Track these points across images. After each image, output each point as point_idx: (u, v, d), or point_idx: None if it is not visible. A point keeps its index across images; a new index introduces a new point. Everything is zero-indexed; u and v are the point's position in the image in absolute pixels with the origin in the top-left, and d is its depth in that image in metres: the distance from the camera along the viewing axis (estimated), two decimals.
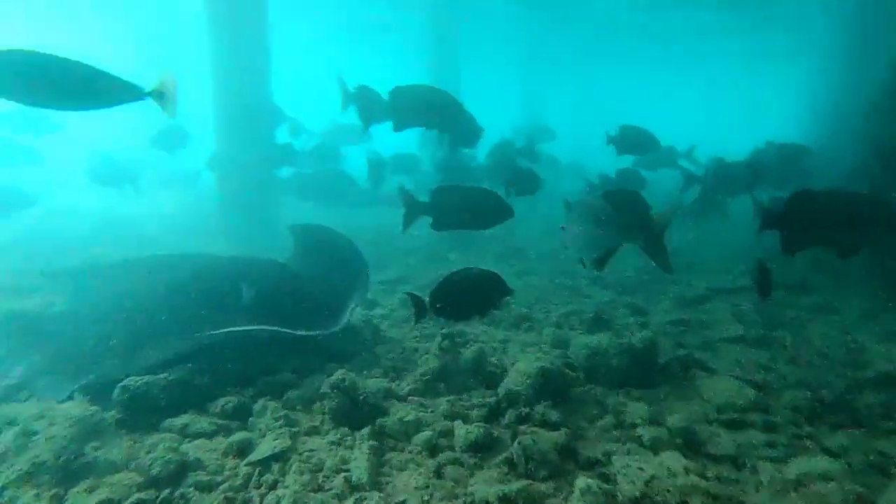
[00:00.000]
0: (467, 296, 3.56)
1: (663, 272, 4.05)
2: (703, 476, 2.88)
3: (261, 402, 3.30)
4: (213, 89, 9.61)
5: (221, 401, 3.33)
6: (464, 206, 4.53)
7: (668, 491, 2.70)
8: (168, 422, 3.16)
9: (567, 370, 4.01)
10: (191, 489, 2.68)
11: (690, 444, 3.28)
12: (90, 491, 2.60)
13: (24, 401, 3.34)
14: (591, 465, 3.06)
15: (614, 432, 3.49)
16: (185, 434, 3.10)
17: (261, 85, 9.67)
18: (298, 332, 3.56)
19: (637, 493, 2.68)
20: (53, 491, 2.56)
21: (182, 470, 2.78)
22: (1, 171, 8.74)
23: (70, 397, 3.16)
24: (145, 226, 10.90)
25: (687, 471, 2.86)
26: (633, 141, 7.22)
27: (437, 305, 3.48)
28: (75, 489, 2.63)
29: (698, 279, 7.41)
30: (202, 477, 2.77)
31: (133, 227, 10.84)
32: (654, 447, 3.23)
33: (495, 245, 9.98)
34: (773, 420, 3.52)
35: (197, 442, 3.01)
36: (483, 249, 9.85)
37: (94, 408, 3.06)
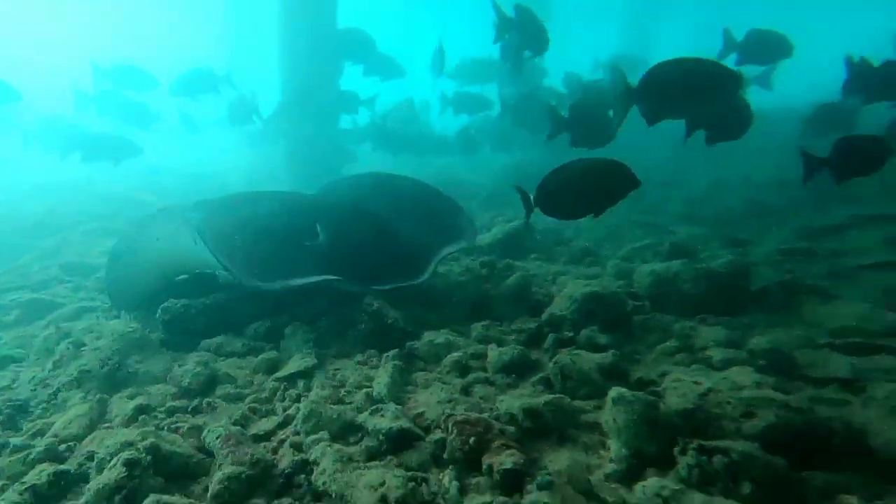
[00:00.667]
0: (581, 187, 3.13)
1: None
2: (784, 392, 2.34)
3: (292, 326, 3.32)
4: (279, 34, 9.58)
5: (255, 324, 3.40)
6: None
7: (729, 402, 2.22)
8: (205, 342, 3.28)
9: (625, 297, 3.60)
10: (219, 399, 2.75)
11: (780, 367, 2.74)
12: (131, 398, 2.76)
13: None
14: (641, 386, 2.69)
15: (677, 356, 3.05)
16: (219, 353, 3.20)
17: (328, 27, 9.35)
18: (380, 287, 3.33)
19: (687, 406, 2.25)
20: (98, 396, 2.75)
21: (212, 382, 2.86)
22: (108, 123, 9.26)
23: (117, 316, 3.41)
24: (227, 177, 11.56)
25: (759, 384, 2.36)
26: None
27: (545, 199, 3.14)
28: (118, 395, 2.81)
29: (840, 208, 5.93)
30: (230, 389, 2.83)
31: (217, 178, 11.61)
32: (725, 368, 2.71)
33: None
34: None
35: (229, 360, 3.10)
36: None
37: (135, 325, 3.28)
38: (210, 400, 2.73)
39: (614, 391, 2.20)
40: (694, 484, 1.82)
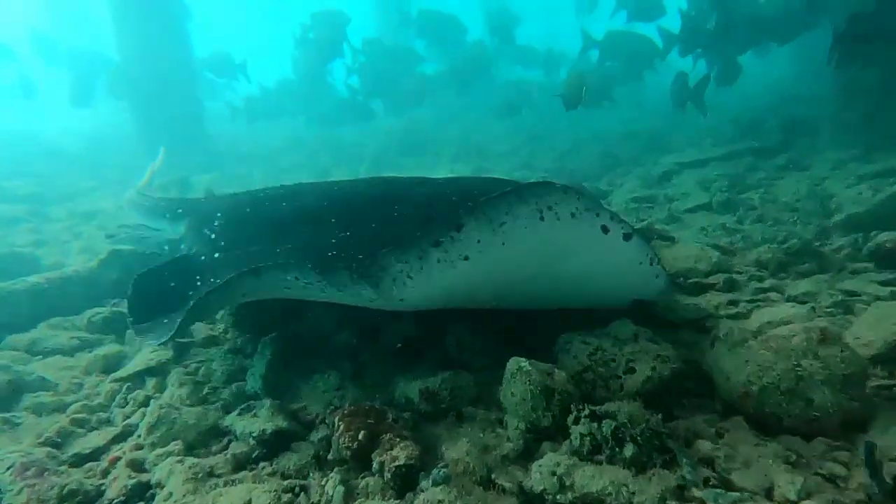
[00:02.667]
0: None
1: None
2: (654, 341, 2.36)
3: None
4: None
5: (89, 312, 2.82)
6: None
7: (613, 360, 2.16)
8: (10, 338, 2.65)
9: None
10: (25, 412, 2.20)
11: (647, 315, 2.72)
12: None
13: None
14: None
15: None
16: (33, 350, 2.61)
17: None
18: None
19: (577, 369, 2.19)
20: None
21: (16, 391, 2.29)
22: None
23: None
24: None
25: (636, 336, 2.32)
26: None
27: None
28: None
29: (666, 157, 6.94)
30: (45, 398, 2.29)
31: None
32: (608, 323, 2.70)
33: (450, 148, 9.41)
34: (736, 279, 3.10)
35: (49, 360, 2.53)
36: (438, 153, 9.26)
37: None
38: (9, 415, 2.18)
39: (513, 363, 2.04)
40: (586, 455, 1.77)
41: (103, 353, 2.59)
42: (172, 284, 2.35)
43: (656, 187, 5.83)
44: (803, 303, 2.74)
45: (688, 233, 4.24)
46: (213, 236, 2.60)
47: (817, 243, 3.37)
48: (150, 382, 2.43)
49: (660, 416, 1.87)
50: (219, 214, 2.73)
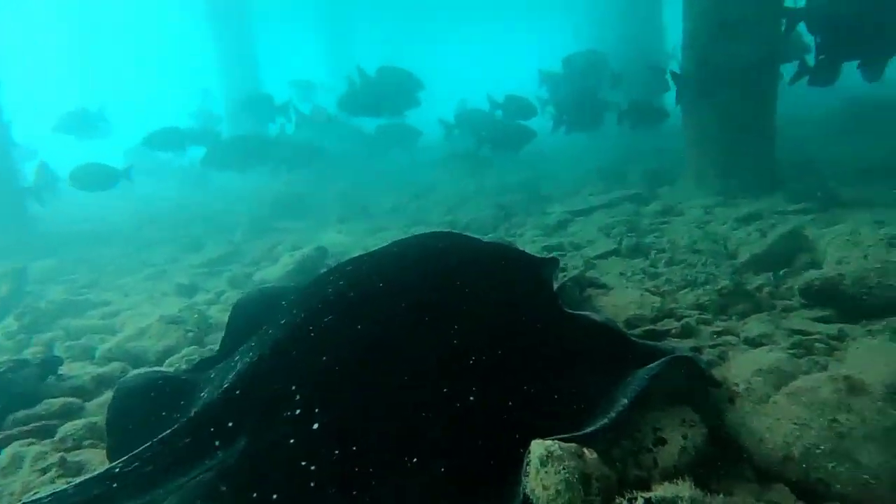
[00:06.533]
0: None
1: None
2: None
3: None
4: None
5: None
6: None
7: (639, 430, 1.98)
8: None
9: None
10: None
11: None
12: None
13: None
14: None
15: None
16: None
17: None
18: None
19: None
20: None
21: None
22: None
23: None
24: None
25: None
26: None
27: None
28: None
29: (552, 206, 7.22)
30: None
31: None
32: None
33: (335, 208, 8.99)
34: (690, 324, 3.10)
35: None
36: (322, 214, 8.78)
37: None
38: None
39: (539, 447, 1.67)
40: None
41: None
42: None
43: (557, 236, 5.95)
44: (761, 345, 2.80)
45: (608, 279, 4.28)
46: None
47: (746, 284, 3.52)
48: None
49: (721, 496, 1.67)
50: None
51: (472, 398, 1.94)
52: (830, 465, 1.75)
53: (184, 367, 3.37)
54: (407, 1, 26.24)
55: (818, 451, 1.77)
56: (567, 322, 2.52)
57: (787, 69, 5.74)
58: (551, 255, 3.74)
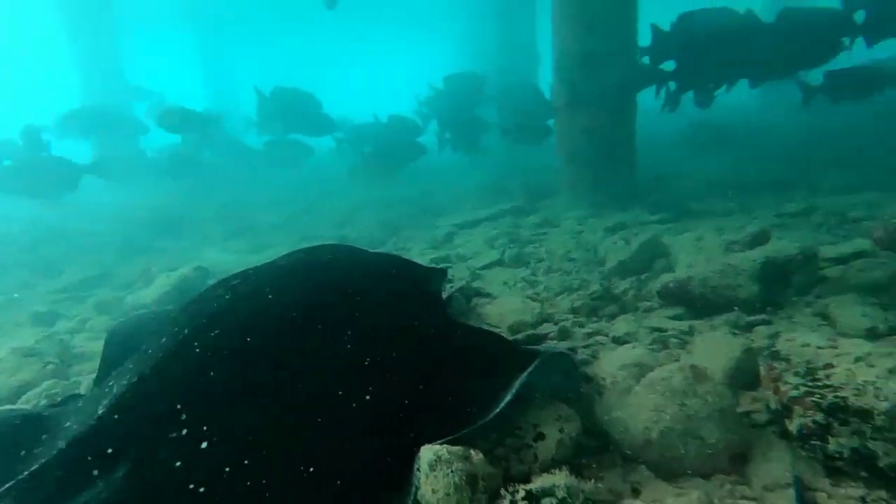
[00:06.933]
0: None
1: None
2: None
3: None
4: None
5: None
6: None
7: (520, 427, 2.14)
8: None
9: None
10: None
11: None
12: None
13: None
14: None
15: None
16: None
17: None
18: None
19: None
20: None
21: None
22: None
23: None
24: None
25: None
26: None
27: None
28: None
29: (439, 220, 7.43)
30: None
31: None
32: None
33: (215, 226, 8.55)
34: (566, 327, 3.36)
35: None
36: (203, 232, 8.30)
37: None
38: None
39: (429, 452, 1.75)
40: None
41: None
42: None
43: (444, 248, 6.13)
44: (627, 342, 3.10)
45: (493, 288, 4.49)
46: None
47: (613, 288, 3.88)
48: None
49: (592, 482, 1.85)
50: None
51: (365, 404, 1.98)
52: (681, 443, 2.00)
53: (44, 402, 3.05)
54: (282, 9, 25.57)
55: (672, 432, 2.02)
56: (455, 329, 2.64)
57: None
58: (439, 267, 3.87)
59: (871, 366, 1.73)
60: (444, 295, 3.80)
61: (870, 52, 5.40)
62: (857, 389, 1.69)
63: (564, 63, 6.69)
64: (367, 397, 2.00)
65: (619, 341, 3.15)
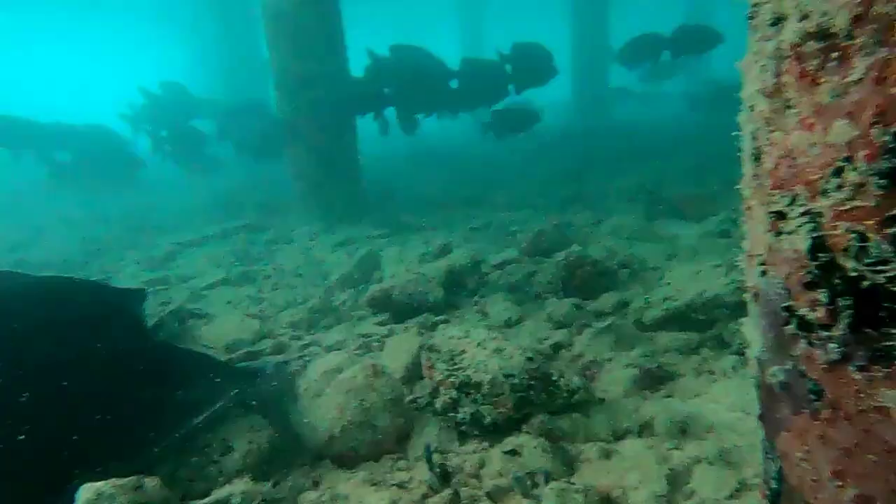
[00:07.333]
0: None
1: None
2: None
3: None
4: None
5: None
6: None
7: None
8: None
9: None
10: None
11: None
12: None
13: None
14: None
15: None
16: None
17: None
18: None
19: None
20: None
21: None
22: None
23: None
24: None
25: None
26: None
27: None
28: None
29: (160, 238, 6.85)
30: None
31: None
32: None
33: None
34: (282, 341, 3.48)
35: None
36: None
37: None
38: None
39: (89, 491, 1.73)
40: None
41: None
42: None
43: (162, 269, 5.70)
44: (337, 350, 3.38)
45: (215, 308, 4.39)
46: None
47: (333, 301, 4.15)
48: None
49: (269, 483, 2.03)
50: None
51: (21, 440, 1.82)
52: (358, 434, 2.30)
53: None
54: None
55: (351, 426, 2.31)
56: (154, 352, 2.56)
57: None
58: (135, 288, 3.64)
59: (485, 349, 2.27)
60: (155, 318, 3.60)
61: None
62: (475, 368, 2.20)
63: (284, 83, 6.80)
64: (24, 431, 1.84)
65: (330, 349, 3.41)
